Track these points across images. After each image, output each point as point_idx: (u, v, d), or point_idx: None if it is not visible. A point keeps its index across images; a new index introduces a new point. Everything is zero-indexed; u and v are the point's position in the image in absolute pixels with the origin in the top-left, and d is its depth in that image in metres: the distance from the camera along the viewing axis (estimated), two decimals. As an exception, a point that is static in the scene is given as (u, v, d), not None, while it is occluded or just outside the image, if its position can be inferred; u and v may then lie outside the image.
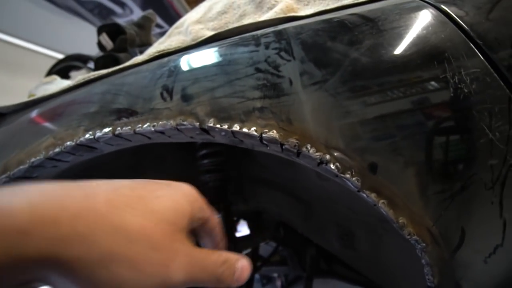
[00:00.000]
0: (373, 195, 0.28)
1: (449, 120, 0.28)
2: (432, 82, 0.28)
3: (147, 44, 0.84)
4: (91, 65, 1.08)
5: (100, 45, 0.76)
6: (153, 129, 0.33)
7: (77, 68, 1.10)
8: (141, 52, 0.77)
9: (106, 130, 0.35)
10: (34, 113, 0.44)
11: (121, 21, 2.52)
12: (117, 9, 2.29)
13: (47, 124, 0.41)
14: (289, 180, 0.73)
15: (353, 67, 0.29)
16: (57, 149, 0.37)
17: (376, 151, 0.28)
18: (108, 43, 0.75)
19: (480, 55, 0.28)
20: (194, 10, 0.69)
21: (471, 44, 0.28)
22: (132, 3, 2.28)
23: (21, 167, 0.38)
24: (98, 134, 0.35)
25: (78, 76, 0.45)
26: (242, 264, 0.23)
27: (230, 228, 0.72)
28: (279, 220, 0.82)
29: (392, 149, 0.28)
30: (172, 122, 0.32)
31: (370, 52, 0.30)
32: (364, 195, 0.28)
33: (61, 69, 1.02)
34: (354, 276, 0.76)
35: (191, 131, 0.32)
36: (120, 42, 0.74)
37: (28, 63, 1.89)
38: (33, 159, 0.37)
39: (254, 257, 0.84)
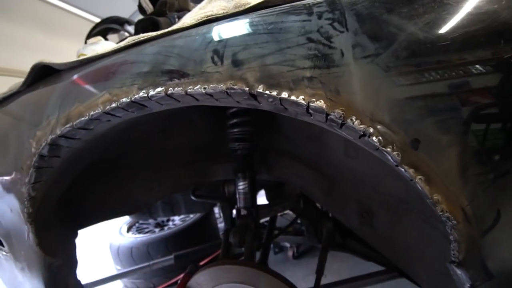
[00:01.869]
0: (411, 170, 0.29)
1: (503, 105, 0.27)
2: (493, 63, 0.27)
3: (185, 9, 0.84)
4: (128, 28, 1.10)
5: (141, 8, 0.78)
6: (203, 91, 0.35)
7: (115, 30, 1.13)
8: (179, 18, 0.78)
9: (159, 89, 0.37)
10: (89, 70, 0.48)
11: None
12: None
13: (102, 81, 0.44)
14: (315, 155, 0.74)
15: (409, 42, 0.29)
16: (113, 105, 0.40)
17: (421, 128, 0.29)
18: (148, 5, 0.76)
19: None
20: (236, -25, 0.67)
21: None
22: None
23: (82, 119, 0.42)
24: (151, 92, 0.37)
25: (128, 38, 0.47)
26: None
27: (253, 196, 0.76)
28: (300, 192, 0.85)
29: (438, 127, 0.28)
30: (222, 86, 0.34)
31: (429, 27, 0.29)
32: (403, 169, 0.29)
33: (100, 31, 1.05)
34: (367, 252, 0.79)
35: (240, 95, 0.34)
36: (160, 6, 0.75)
37: (66, 25, 1.94)
38: (92, 112, 0.41)
39: (271, 226, 0.89)
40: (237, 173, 0.75)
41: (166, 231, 1.41)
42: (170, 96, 0.37)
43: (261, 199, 1.12)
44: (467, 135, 0.28)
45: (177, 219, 1.58)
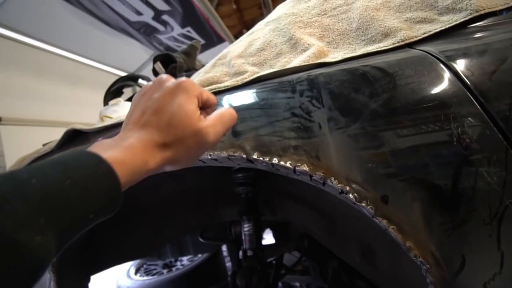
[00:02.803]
0: (384, 221, 0.35)
1: (452, 165, 0.33)
2: (438, 133, 0.34)
3: (193, 69, 0.97)
4: (141, 82, 1.24)
5: (155, 72, 0.90)
6: (209, 157, 0.42)
7: (129, 86, 1.28)
8: (188, 77, 0.90)
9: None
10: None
11: (162, 37, 2.79)
12: (160, 27, 2.54)
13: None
14: (315, 196, 0.79)
15: (371, 116, 0.37)
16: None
17: (388, 186, 0.35)
18: (161, 69, 0.89)
19: (482, 111, 0.33)
20: (236, 44, 0.79)
21: (474, 101, 0.34)
22: (173, 21, 2.51)
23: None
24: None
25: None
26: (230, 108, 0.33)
27: (258, 237, 0.80)
28: (303, 232, 0.88)
29: (402, 185, 0.34)
30: (225, 153, 0.41)
31: (386, 104, 0.36)
32: (377, 221, 0.35)
33: (117, 88, 1.19)
34: (374, 291, 0.80)
35: (239, 160, 0.41)
36: (172, 69, 0.87)
37: (85, 76, 2.18)
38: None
39: (278, 266, 0.91)
40: (242, 216, 0.79)
41: (174, 272, 1.42)
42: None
43: (269, 236, 1.14)
44: (425, 191, 0.34)
45: (185, 259, 1.58)
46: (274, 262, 0.93)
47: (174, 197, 0.94)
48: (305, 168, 0.37)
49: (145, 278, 1.44)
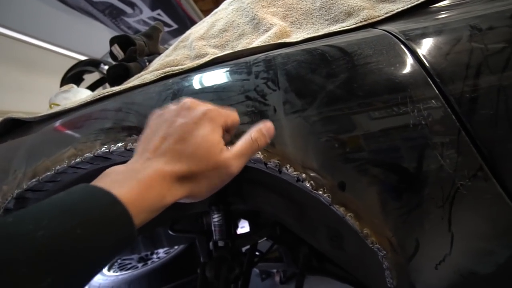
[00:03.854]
0: (341, 209, 0.33)
1: (407, 147, 0.32)
2: (395, 115, 0.33)
3: (155, 53, 0.90)
4: (103, 68, 1.15)
5: (112, 55, 0.82)
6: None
7: (90, 72, 1.17)
8: (150, 61, 0.83)
9: (119, 144, 0.41)
10: (56, 124, 0.51)
11: (131, 20, 2.60)
12: (127, 9, 2.36)
13: (68, 136, 0.47)
14: (285, 183, 0.78)
15: (328, 98, 0.34)
16: (78, 159, 0.43)
17: (345, 172, 0.33)
18: (119, 53, 0.81)
19: (438, 93, 0.32)
20: (199, 25, 0.74)
21: (431, 82, 0.33)
22: (141, 3, 2.34)
23: (48, 173, 0.44)
24: (113, 148, 0.41)
25: (95, 92, 0.51)
26: (263, 125, 0.31)
27: (229, 227, 0.78)
28: (275, 220, 0.88)
29: (358, 170, 0.33)
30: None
31: (344, 86, 0.34)
32: (334, 208, 0.34)
33: (75, 73, 1.09)
34: (343, 274, 0.82)
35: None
36: (130, 53, 0.80)
37: (40, 61, 1.98)
38: (58, 167, 0.44)
39: (252, 254, 0.90)
40: (211, 206, 0.77)
41: (149, 265, 1.38)
42: (130, 150, 0.41)
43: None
44: (381, 175, 0.32)
45: (161, 252, 1.55)
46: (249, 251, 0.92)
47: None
48: (259, 155, 0.34)
49: (118, 273, 1.40)
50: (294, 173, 0.33)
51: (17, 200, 0.48)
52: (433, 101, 0.32)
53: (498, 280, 0.33)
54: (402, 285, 0.34)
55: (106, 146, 0.41)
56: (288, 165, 0.34)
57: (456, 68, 0.32)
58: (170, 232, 0.88)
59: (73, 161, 0.43)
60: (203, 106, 0.30)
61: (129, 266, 1.50)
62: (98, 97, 0.49)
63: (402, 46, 0.36)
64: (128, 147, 0.40)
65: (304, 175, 0.33)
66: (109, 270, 1.46)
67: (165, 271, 1.34)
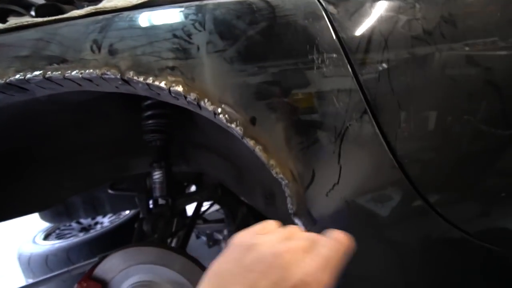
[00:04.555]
0: (252, 142, 0.38)
1: (309, 91, 0.38)
2: (302, 61, 0.37)
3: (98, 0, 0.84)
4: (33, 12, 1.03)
5: (46, -5, 0.75)
6: (80, 75, 0.38)
7: (18, 13, 1.04)
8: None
9: (37, 73, 0.39)
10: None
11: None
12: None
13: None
14: (225, 147, 0.82)
15: (248, 42, 0.38)
16: (-13, 87, 0.40)
17: (256, 108, 0.37)
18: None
19: (339, 46, 0.38)
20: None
21: (334, 36, 0.38)
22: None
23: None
24: (29, 75, 0.39)
25: (10, 20, 0.47)
26: (335, 237, 0.27)
27: (169, 185, 0.80)
28: (217, 182, 0.92)
29: (268, 108, 0.37)
30: (98, 71, 0.38)
31: (263, 32, 0.38)
32: (245, 141, 0.38)
33: None
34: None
35: (113, 81, 0.38)
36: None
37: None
38: (-36, 94, 0.41)
39: (195, 215, 0.94)
40: (153, 164, 0.77)
41: (91, 234, 1.33)
42: (48, 79, 0.39)
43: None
44: (287, 113, 0.37)
45: (106, 221, 1.50)
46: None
47: (77, 148, 0.85)
48: (179, 89, 0.36)
49: (55, 241, 1.32)
50: (211, 107, 0.37)
51: None
52: (334, 53, 0.38)
53: (371, 206, 0.41)
54: (300, 211, 0.41)
55: (21, 74, 0.40)
56: (206, 99, 0.37)
57: (356, 27, 0.38)
58: (110, 191, 0.86)
59: (-19, 89, 0.40)
60: (319, 243, 0.26)
61: (68, 235, 1.43)
62: (14, 25, 0.46)
63: (319, 6, 0.41)
64: (47, 76, 0.39)
65: (220, 109, 0.37)
66: (44, 239, 1.37)
67: (107, 239, 1.31)
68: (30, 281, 1.26)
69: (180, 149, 0.87)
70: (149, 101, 0.76)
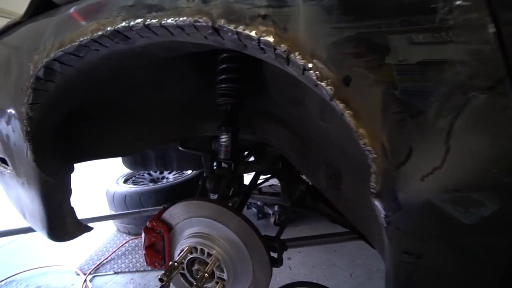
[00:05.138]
0: (342, 105, 0.33)
1: (427, 49, 0.31)
2: (422, 15, 0.30)
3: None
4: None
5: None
6: (175, 23, 0.39)
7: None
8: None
9: (138, 20, 0.41)
10: (84, 4, 0.52)
11: None
12: None
13: (93, 13, 0.48)
14: (295, 118, 0.78)
15: (354, -12, 0.32)
16: (100, 32, 0.45)
17: (353, 67, 0.32)
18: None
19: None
20: None
21: None
22: None
23: (73, 44, 0.47)
24: (132, 23, 0.42)
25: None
26: None
27: (234, 150, 0.82)
28: (279, 154, 0.91)
29: (367, 66, 0.32)
30: (191, 19, 0.38)
31: (374, -25, 0.32)
32: (334, 103, 0.34)
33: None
34: (334, 215, 0.85)
35: (204, 29, 0.38)
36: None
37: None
38: (81, 39, 0.46)
39: (252, 183, 0.95)
40: (221, 127, 0.80)
41: (158, 185, 1.51)
42: (147, 27, 0.41)
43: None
44: (389, 75, 0.31)
45: (171, 178, 1.68)
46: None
47: (156, 106, 0.93)
48: (270, 39, 0.34)
49: (132, 186, 1.55)
50: (302, 61, 0.33)
51: (45, 69, 0.52)
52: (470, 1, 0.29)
53: (478, 204, 0.33)
54: (384, 192, 0.36)
55: (126, 21, 0.42)
56: (297, 52, 0.33)
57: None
58: (180, 148, 0.93)
59: (95, 34, 0.45)
60: None
61: (141, 183, 1.65)
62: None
63: None
64: (147, 23, 0.41)
65: (310, 64, 0.33)
66: (124, 182, 1.61)
67: (172, 191, 1.47)
68: (113, 212, 1.53)
69: (248, 116, 0.88)
70: (224, 65, 0.77)
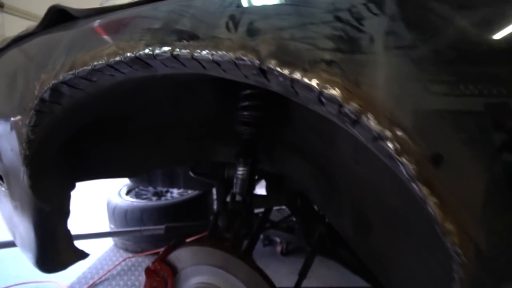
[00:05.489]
0: (425, 190, 0.25)
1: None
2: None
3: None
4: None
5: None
6: (211, 57, 0.31)
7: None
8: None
9: (166, 48, 0.34)
10: (102, 20, 0.45)
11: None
12: None
13: (112, 32, 0.42)
14: (322, 155, 0.70)
15: (455, 40, 0.24)
16: (117, 58, 0.38)
17: (449, 143, 0.24)
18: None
19: None
20: None
21: None
22: None
23: (85, 68, 0.40)
24: (157, 51, 0.35)
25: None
26: None
27: (251, 184, 0.73)
28: (299, 190, 0.82)
29: (471, 147, 0.24)
30: (231, 54, 0.30)
31: (486, 25, 0.24)
32: (416, 186, 0.25)
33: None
34: (355, 264, 0.76)
35: (248, 68, 0.30)
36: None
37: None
38: (95, 63, 0.39)
39: (264, 218, 0.87)
40: (239, 158, 0.72)
41: (162, 201, 1.43)
42: (175, 57, 0.34)
43: (261, 190, 1.10)
44: (504, 164, 0.23)
45: (175, 192, 1.60)
46: (260, 214, 0.89)
47: (169, 123, 0.86)
48: (335, 92, 0.26)
49: (134, 200, 1.47)
50: (377, 127, 0.25)
51: (52, 91, 0.45)
52: None
53: None
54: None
55: (150, 48, 0.35)
56: (371, 114, 0.25)
57: None
58: (191, 173, 0.86)
59: (112, 60, 0.38)
60: None
61: (144, 196, 1.57)
62: (151, -4, 0.42)
63: None
64: (175, 53, 0.34)
65: (388, 132, 0.25)
66: (126, 194, 1.54)
67: (175, 210, 1.38)
68: (112, 226, 1.45)
69: (268, 145, 0.80)
70: (248, 91, 0.70)
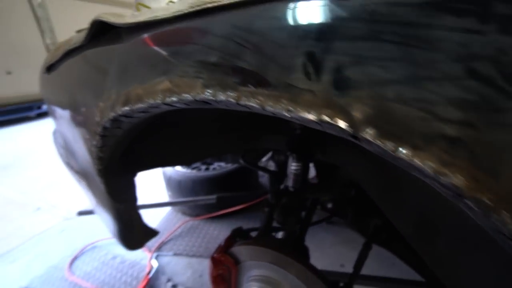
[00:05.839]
0: None
1: None
2: None
3: None
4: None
5: None
6: (287, 114, 0.26)
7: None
8: None
9: (231, 94, 0.30)
10: (147, 36, 0.41)
11: None
12: None
13: (161, 58, 0.37)
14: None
15: None
16: (174, 98, 0.34)
17: None
18: None
19: None
20: None
21: None
22: None
23: (141, 105, 0.38)
24: (221, 97, 0.30)
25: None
26: None
27: (305, 178, 0.72)
28: (352, 180, 0.78)
29: None
30: (313, 116, 0.25)
31: None
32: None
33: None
34: (412, 258, 0.75)
35: (335, 130, 0.25)
36: None
37: None
38: (152, 101, 0.36)
39: (311, 209, 0.86)
40: (292, 152, 0.69)
41: (211, 172, 1.52)
42: (241, 105, 0.30)
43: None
44: None
45: (223, 163, 1.67)
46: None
47: (226, 119, 0.84)
48: (458, 182, 0.20)
49: (185, 170, 1.58)
50: (515, 228, 0.20)
51: (112, 121, 0.45)
52: None
53: None
54: None
55: (211, 92, 0.31)
56: (505, 212, 0.20)
57: None
58: (241, 162, 0.86)
59: (168, 99, 0.35)
60: None
61: (194, 166, 1.68)
62: (198, 8, 0.35)
63: None
64: (242, 102, 0.29)
65: (531, 236, 0.20)
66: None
67: (223, 180, 1.48)
68: (170, 193, 1.62)
69: (320, 138, 0.74)
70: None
